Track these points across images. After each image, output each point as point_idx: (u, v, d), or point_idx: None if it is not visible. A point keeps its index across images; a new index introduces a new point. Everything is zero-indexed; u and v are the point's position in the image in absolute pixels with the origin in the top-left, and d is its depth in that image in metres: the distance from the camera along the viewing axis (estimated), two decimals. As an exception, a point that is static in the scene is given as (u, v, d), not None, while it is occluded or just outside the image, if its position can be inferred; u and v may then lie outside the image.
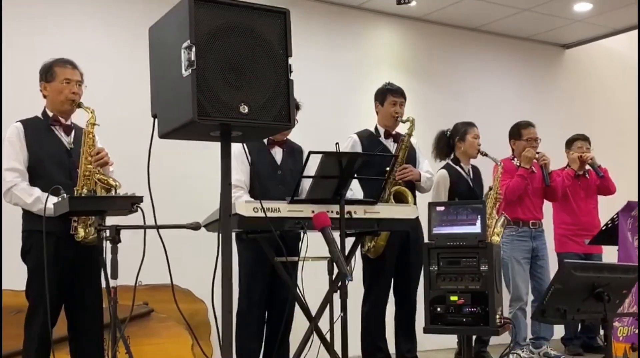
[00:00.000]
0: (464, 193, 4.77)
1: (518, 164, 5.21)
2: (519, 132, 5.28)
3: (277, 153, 4.09)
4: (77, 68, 3.58)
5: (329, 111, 5.89)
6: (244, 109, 2.23)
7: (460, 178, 4.87)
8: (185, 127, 2.23)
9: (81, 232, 3.27)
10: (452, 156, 4.95)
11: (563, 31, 6.87)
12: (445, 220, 2.96)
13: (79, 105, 3.47)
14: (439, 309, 2.89)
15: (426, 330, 3.12)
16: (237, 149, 3.72)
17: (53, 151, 3.43)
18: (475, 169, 5.00)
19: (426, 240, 3.29)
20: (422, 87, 6.41)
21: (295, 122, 4.05)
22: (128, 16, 5.17)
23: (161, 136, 2.37)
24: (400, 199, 4.24)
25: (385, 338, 4.40)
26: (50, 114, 3.51)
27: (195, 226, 2.66)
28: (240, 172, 3.83)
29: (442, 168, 4.91)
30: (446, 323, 2.90)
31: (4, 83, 4.51)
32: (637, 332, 4.30)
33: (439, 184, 4.78)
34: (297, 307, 3.69)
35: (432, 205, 3.06)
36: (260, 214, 3.20)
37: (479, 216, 2.89)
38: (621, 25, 6.79)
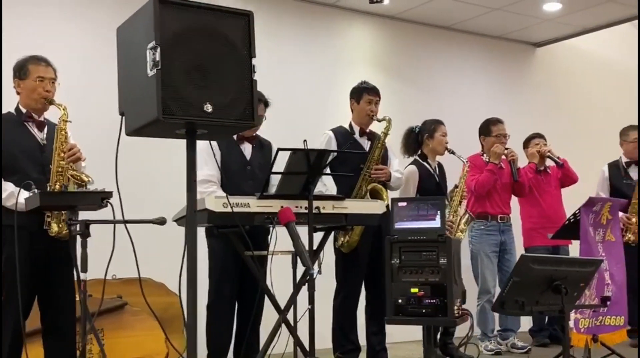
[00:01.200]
0: (431, 189, 4.86)
1: (487, 159, 5.34)
2: (488, 128, 5.40)
3: (247, 149, 4.17)
4: (51, 65, 3.62)
5: (304, 108, 5.97)
6: (209, 108, 2.31)
7: (428, 174, 4.96)
8: (150, 126, 2.31)
9: (55, 227, 3.33)
10: (419, 152, 5.03)
11: (534, 30, 7.00)
12: (406, 215, 3.06)
13: (51, 102, 3.52)
14: (400, 301, 3.00)
15: (388, 321, 3.23)
16: (206, 145, 3.81)
17: (26, 147, 3.47)
18: (441, 166, 5.09)
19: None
20: (396, 85, 6.51)
21: (264, 118, 4.18)
22: (97, 13, 5.22)
23: (128, 134, 2.44)
24: (375, 196, 4.33)
25: (356, 331, 4.50)
26: (24, 110, 3.55)
27: (160, 221, 2.74)
28: (212, 167, 3.90)
29: (411, 163, 4.99)
30: (407, 314, 3.00)
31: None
32: (598, 323, 4.43)
33: (408, 180, 4.86)
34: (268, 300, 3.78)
35: (394, 201, 3.17)
36: (230, 209, 3.28)
37: (438, 212, 2.99)
38: (591, 25, 6.93)
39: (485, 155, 5.38)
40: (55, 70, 3.64)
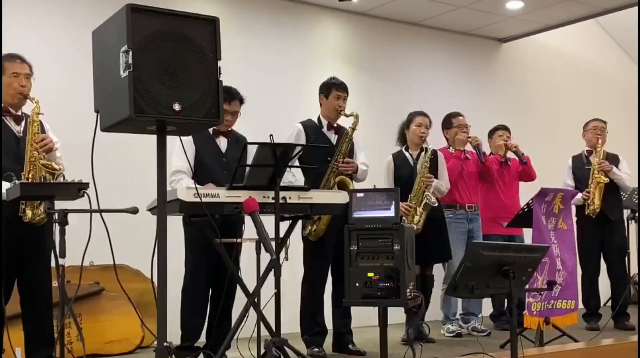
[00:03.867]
0: (405, 177, 5.14)
1: (452, 150, 5.59)
2: (449, 121, 5.67)
3: (222, 142, 4.37)
4: (26, 62, 3.82)
5: (274, 102, 6.15)
6: (177, 106, 2.53)
7: (405, 163, 5.22)
8: (123, 123, 2.53)
9: (29, 213, 3.55)
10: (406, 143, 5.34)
11: (498, 26, 7.25)
12: (364, 205, 3.29)
13: (26, 96, 3.72)
14: (357, 284, 3.22)
15: (346, 303, 3.47)
16: (184, 138, 4.03)
17: (3, 140, 3.63)
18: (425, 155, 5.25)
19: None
20: (366, 80, 6.73)
21: (239, 114, 4.38)
22: (75, 10, 5.37)
23: (103, 130, 2.65)
24: (342, 188, 4.53)
25: (323, 314, 4.72)
26: (3, 105, 3.72)
27: (133, 211, 2.94)
28: (183, 159, 4.09)
29: (392, 154, 5.31)
30: (363, 297, 3.23)
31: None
32: (550, 307, 4.71)
33: (385, 169, 5.24)
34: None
35: (352, 192, 3.40)
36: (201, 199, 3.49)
37: (393, 202, 3.23)
38: (552, 22, 7.19)
39: (450, 147, 5.63)
40: (31, 66, 3.83)
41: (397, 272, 3.18)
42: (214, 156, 4.30)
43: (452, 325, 5.52)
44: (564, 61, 8.21)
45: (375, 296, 3.20)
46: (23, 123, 3.78)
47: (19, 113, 3.79)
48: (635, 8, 6.90)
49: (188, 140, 4.16)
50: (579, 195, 5.74)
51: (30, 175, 3.57)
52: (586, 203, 5.72)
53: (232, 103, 4.31)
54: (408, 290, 3.18)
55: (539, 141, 7.30)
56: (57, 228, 3.07)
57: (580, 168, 5.95)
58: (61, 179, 3.46)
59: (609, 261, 5.92)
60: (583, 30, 8.02)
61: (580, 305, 5.90)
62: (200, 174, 4.16)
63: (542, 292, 4.52)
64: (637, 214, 5.77)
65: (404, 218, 5.02)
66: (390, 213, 3.22)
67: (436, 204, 5.18)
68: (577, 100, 8.12)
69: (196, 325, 4.24)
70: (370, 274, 3.20)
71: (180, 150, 4.07)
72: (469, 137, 5.57)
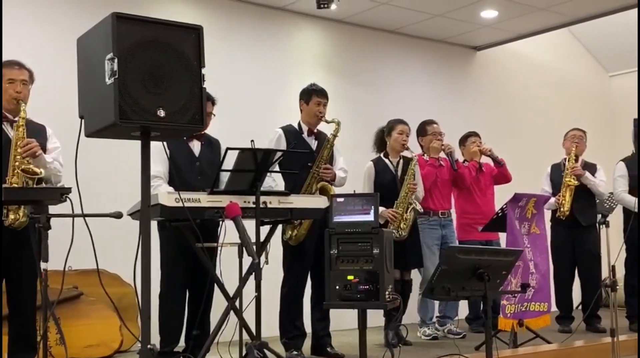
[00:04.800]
0: (386, 184, 5.24)
1: (427, 157, 5.69)
2: (424, 129, 5.77)
3: (195, 146, 4.39)
4: (25, 68, 3.88)
5: (255, 107, 6.22)
6: (161, 113, 2.58)
7: (385, 170, 5.31)
8: (108, 129, 2.57)
9: (11, 216, 3.58)
10: (385, 150, 5.42)
11: (473, 35, 7.39)
12: (344, 210, 3.36)
13: (18, 102, 3.76)
14: (337, 287, 3.29)
15: (327, 306, 3.54)
16: (157, 143, 4.06)
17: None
18: (407, 162, 5.36)
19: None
20: (344, 86, 6.81)
21: (213, 116, 4.42)
22: (59, 16, 5.40)
23: (87, 135, 2.70)
24: (324, 194, 4.57)
25: (302, 318, 4.76)
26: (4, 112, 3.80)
27: (117, 215, 2.98)
28: (159, 164, 4.12)
29: (371, 160, 5.38)
30: (343, 299, 3.31)
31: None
32: (524, 309, 4.83)
33: (365, 176, 5.31)
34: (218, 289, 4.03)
35: (333, 197, 3.47)
36: (182, 204, 3.54)
37: (372, 207, 3.31)
38: (526, 31, 7.35)
39: (425, 154, 5.73)
40: (31, 73, 3.90)
41: (376, 275, 3.26)
42: (187, 160, 4.33)
43: (429, 329, 5.61)
44: (537, 68, 8.38)
45: (354, 298, 3.28)
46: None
47: (16, 119, 3.82)
48: (604, 18, 7.10)
49: (161, 144, 4.18)
50: (553, 199, 5.88)
51: (13, 180, 3.60)
52: (558, 206, 5.86)
53: (207, 105, 4.33)
54: (387, 292, 3.26)
55: (513, 147, 7.44)
56: (39, 233, 3.09)
57: (558, 175, 6.08)
58: (43, 184, 3.48)
59: (580, 265, 6.05)
60: (556, 39, 8.19)
61: (555, 308, 6.05)
62: (174, 178, 4.19)
63: (515, 295, 4.62)
64: (607, 219, 5.89)
65: (390, 224, 5.10)
66: (370, 217, 3.30)
67: (422, 211, 5.28)
68: (550, 107, 8.29)
69: (175, 329, 4.27)
70: (350, 277, 3.28)
71: (156, 155, 4.11)
72: (443, 145, 5.68)
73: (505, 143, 7.30)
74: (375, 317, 5.23)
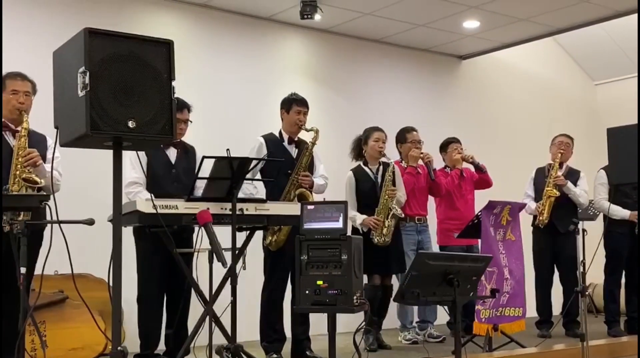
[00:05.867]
0: (367, 191, 5.37)
1: (405, 165, 5.80)
2: (404, 136, 5.87)
3: (172, 153, 4.50)
4: (28, 79, 4.04)
5: (239, 115, 6.34)
6: (132, 124, 2.68)
7: (366, 178, 5.43)
8: (81, 139, 2.68)
9: (7, 226, 3.62)
10: (363, 158, 5.53)
11: (457, 44, 7.50)
12: (314, 217, 3.47)
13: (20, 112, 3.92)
14: (307, 292, 3.40)
15: (297, 310, 3.65)
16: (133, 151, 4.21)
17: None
18: (386, 169, 5.44)
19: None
20: (328, 94, 6.94)
21: (189, 122, 4.51)
22: (40, 28, 5.51)
23: (62, 145, 2.80)
24: (302, 200, 4.70)
25: (282, 322, 4.86)
26: (3, 120, 3.95)
27: (89, 222, 3.08)
28: (138, 170, 4.25)
29: (351, 170, 5.49)
30: (313, 304, 3.41)
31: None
32: (499, 314, 4.93)
33: (346, 185, 5.44)
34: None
35: (303, 204, 3.57)
36: (160, 211, 3.64)
37: (341, 214, 3.42)
38: (509, 40, 7.47)
39: (403, 161, 5.84)
40: (34, 84, 4.05)
41: (345, 280, 3.36)
42: (163, 167, 4.44)
43: (409, 333, 5.72)
44: (523, 77, 8.50)
45: (324, 303, 3.38)
46: None
47: (19, 128, 3.96)
48: (589, 28, 7.22)
49: (139, 153, 4.31)
50: (534, 205, 5.98)
51: (13, 188, 3.74)
52: (537, 210, 5.97)
53: (183, 112, 4.44)
54: (355, 297, 3.36)
55: (497, 155, 7.56)
56: (17, 240, 3.19)
57: (541, 181, 6.18)
58: (43, 192, 3.61)
59: (561, 271, 6.15)
60: (541, 48, 8.31)
61: (534, 313, 6.15)
62: (151, 184, 4.28)
63: (490, 300, 4.73)
64: (581, 228, 5.97)
65: (373, 231, 5.21)
66: (339, 224, 3.41)
67: (402, 215, 5.39)
68: (535, 116, 8.41)
69: (153, 333, 4.36)
70: (320, 282, 3.38)
71: (135, 161, 4.23)
72: (422, 153, 5.78)
73: (490, 150, 7.42)
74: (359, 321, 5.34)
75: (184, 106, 4.46)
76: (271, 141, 4.92)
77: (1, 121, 3.92)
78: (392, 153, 5.77)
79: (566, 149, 6.15)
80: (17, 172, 3.80)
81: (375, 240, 5.19)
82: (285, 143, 4.96)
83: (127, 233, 4.06)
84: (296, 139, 5.01)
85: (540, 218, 5.93)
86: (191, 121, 4.53)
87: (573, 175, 6.13)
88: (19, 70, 4.15)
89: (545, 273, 6.13)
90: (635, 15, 6.40)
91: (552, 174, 6.01)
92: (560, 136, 6.26)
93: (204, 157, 3.83)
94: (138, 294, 4.36)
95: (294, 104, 4.94)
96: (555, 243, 6.04)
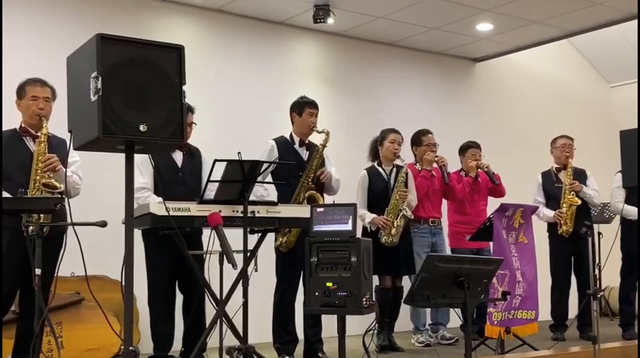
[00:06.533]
0: (379, 191, 5.41)
1: (419, 168, 5.82)
2: (419, 139, 5.89)
3: (178, 157, 4.55)
4: (48, 85, 4.13)
5: (252, 119, 6.38)
6: (144, 128, 2.73)
7: (379, 178, 5.47)
8: (93, 143, 2.73)
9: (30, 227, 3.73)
10: (378, 159, 5.57)
11: (471, 47, 7.50)
12: (323, 219, 3.51)
13: (40, 118, 4.00)
14: (317, 293, 3.44)
15: (306, 311, 3.68)
16: (142, 155, 4.26)
17: (18, 158, 3.96)
18: (399, 171, 5.50)
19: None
20: (341, 98, 6.97)
21: (194, 124, 4.56)
22: (54, 32, 5.60)
23: (75, 149, 2.86)
24: (312, 202, 4.75)
25: (294, 323, 4.90)
26: (23, 126, 4.09)
27: (101, 224, 3.13)
28: (146, 175, 4.33)
29: (365, 169, 5.54)
30: (323, 305, 3.45)
31: None
32: (511, 317, 4.93)
33: (359, 183, 5.48)
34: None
35: (312, 207, 3.61)
36: (172, 213, 3.70)
37: (350, 216, 3.45)
38: (522, 43, 7.46)
39: (418, 164, 5.86)
40: (53, 90, 4.13)
41: (354, 282, 3.39)
42: (170, 170, 4.49)
43: (422, 335, 5.73)
44: (537, 79, 8.47)
45: (333, 305, 3.42)
46: None
47: (39, 134, 4.04)
48: (604, 30, 7.19)
49: (145, 156, 4.35)
50: (551, 213, 5.95)
51: (33, 193, 3.82)
52: (559, 223, 5.91)
53: (187, 115, 4.48)
54: (364, 299, 3.39)
55: (512, 158, 7.54)
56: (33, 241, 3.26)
57: (550, 185, 6.15)
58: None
59: (579, 275, 6.06)
60: (556, 50, 8.28)
61: (547, 317, 6.13)
62: (158, 188, 4.34)
63: (502, 303, 4.73)
64: (597, 230, 5.96)
65: (381, 230, 5.24)
66: (348, 226, 3.44)
67: (412, 217, 5.42)
68: (550, 118, 8.37)
69: (166, 334, 4.42)
70: (329, 284, 3.42)
71: (143, 166, 4.30)
72: (436, 157, 5.80)
73: (503, 153, 7.41)
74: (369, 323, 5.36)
75: (187, 110, 4.50)
76: (282, 143, 4.97)
77: None
78: (407, 156, 5.78)
79: (570, 151, 6.12)
80: (37, 177, 3.88)
81: (383, 239, 5.22)
82: (297, 146, 5.00)
83: (137, 234, 4.11)
84: (307, 141, 5.05)
85: (564, 227, 5.89)
86: (195, 124, 4.58)
87: (580, 176, 6.10)
88: (35, 75, 4.23)
89: (563, 277, 6.07)
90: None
91: (565, 181, 5.97)
92: (561, 138, 6.22)
93: (215, 160, 3.87)
94: (148, 296, 4.42)
95: (306, 107, 4.99)
96: (574, 247, 5.98)
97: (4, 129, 4.07)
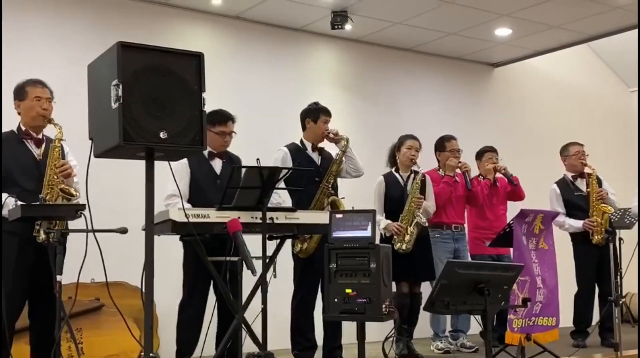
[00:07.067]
0: (396, 197, 5.40)
1: (442, 173, 5.79)
2: (443, 144, 5.87)
3: (217, 164, 4.58)
4: (47, 86, 4.09)
5: (272, 126, 6.39)
6: (163, 135, 2.75)
7: (395, 184, 5.46)
8: (114, 150, 2.75)
9: (42, 234, 3.70)
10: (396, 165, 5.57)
11: (489, 52, 7.48)
12: (342, 225, 3.50)
13: (50, 121, 3.97)
14: (336, 300, 3.43)
15: (325, 318, 3.67)
16: (180, 162, 4.28)
17: (23, 162, 3.92)
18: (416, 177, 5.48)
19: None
20: (360, 104, 6.97)
21: (234, 133, 4.59)
22: (76, 41, 5.66)
23: (96, 156, 2.88)
24: (334, 208, 4.73)
25: (313, 329, 4.89)
26: (24, 128, 4.00)
27: (122, 230, 3.15)
28: (179, 182, 4.32)
29: (382, 175, 5.55)
30: (342, 312, 3.44)
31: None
32: (531, 324, 4.88)
33: (375, 189, 5.49)
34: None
35: (332, 213, 3.60)
36: (192, 219, 3.71)
37: (369, 223, 3.44)
38: (541, 48, 7.43)
39: (440, 170, 5.84)
40: (52, 91, 4.11)
41: (374, 289, 3.37)
42: (208, 178, 4.51)
43: (441, 342, 5.70)
44: (556, 84, 8.41)
45: (352, 311, 3.40)
46: (43, 146, 4.02)
47: (40, 136, 4.04)
48: (624, 34, 7.12)
49: (184, 163, 4.43)
50: (578, 223, 5.88)
51: (47, 197, 3.80)
52: (592, 233, 5.84)
53: (229, 124, 4.56)
54: (384, 305, 3.37)
55: (530, 163, 7.48)
56: (54, 248, 3.28)
57: (570, 194, 6.08)
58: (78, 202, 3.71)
59: (601, 281, 5.92)
60: (575, 54, 8.23)
61: (568, 323, 6.06)
62: (196, 196, 4.39)
63: (523, 309, 4.69)
64: (618, 236, 5.86)
65: (395, 237, 5.23)
66: (367, 232, 3.43)
67: (426, 224, 5.39)
68: (569, 124, 8.30)
69: (190, 339, 4.41)
70: (348, 290, 3.40)
71: (179, 173, 4.30)
72: (460, 163, 5.77)
73: (522, 158, 7.36)
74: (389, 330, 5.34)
75: (228, 118, 4.54)
76: (294, 150, 4.98)
77: None
78: (428, 161, 5.76)
79: (584, 158, 6.07)
80: (52, 183, 3.85)
81: (397, 246, 5.20)
82: (309, 151, 5.01)
83: (170, 240, 4.12)
84: (319, 146, 5.06)
85: (597, 236, 5.82)
86: (235, 133, 4.60)
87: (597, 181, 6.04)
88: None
89: (589, 285, 5.99)
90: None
91: (593, 189, 5.89)
92: (573, 146, 6.16)
93: (234, 167, 3.89)
94: (182, 299, 4.45)
95: (321, 114, 5.02)
96: (601, 253, 5.88)
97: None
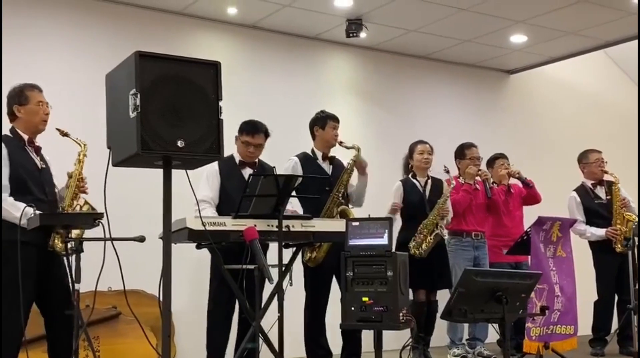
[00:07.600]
0: (415, 202, 5.41)
1: (463, 181, 5.77)
2: (463, 152, 5.85)
3: (247, 173, 4.54)
4: (42, 91, 4.04)
5: (288, 134, 6.38)
6: (181, 143, 2.76)
7: (413, 189, 5.47)
8: (132, 158, 2.77)
9: (59, 243, 3.74)
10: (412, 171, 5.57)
11: (505, 59, 7.45)
12: (359, 233, 3.49)
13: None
14: (353, 308, 3.42)
15: (342, 326, 3.66)
16: (211, 169, 4.39)
17: (31, 170, 3.89)
18: (436, 182, 5.53)
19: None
20: (375, 111, 6.96)
21: (261, 146, 4.58)
22: (93, 50, 5.70)
23: (114, 165, 2.89)
24: (344, 217, 4.71)
25: (326, 336, 4.87)
26: (25, 136, 3.92)
27: (140, 239, 3.17)
28: (209, 189, 4.38)
29: (400, 180, 5.56)
30: (359, 320, 3.43)
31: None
32: (549, 332, 4.84)
33: (393, 195, 5.47)
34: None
35: (348, 221, 3.60)
36: (209, 228, 3.72)
37: (386, 231, 3.43)
38: (557, 54, 7.38)
39: (461, 177, 5.82)
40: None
41: (391, 297, 3.36)
42: (238, 186, 4.46)
43: (458, 350, 5.66)
44: (573, 91, 8.36)
45: (369, 320, 3.39)
46: (39, 154, 4.02)
47: (37, 143, 4.01)
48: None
49: (214, 170, 4.51)
50: (600, 231, 5.83)
51: (70, 210, 3.83)
52: (615, 241, 5.79)
53: (256, 136, 4.59)
54: (401, 314, 3.36)
55: (546, 171, 7.42)
56: (75, 255, 3.29)
57: (590, 202, 6.03)
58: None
59: (620, 289, 5.85)
60: (591, 61, 8.17)
61: (587, 331, 6.00)
62: (225, 203, 4.42)
63: (541, 318, 4.65)
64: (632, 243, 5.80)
65: (412, 240, 5.21)
66: (384, 241, 3.42)
67: (446, 237, 5.38)
68: (585, 131, 8.23)
69: (219, 345, 4.47)
70: (365, 299, 3.39)
71: (209, 180, 4.35)
72: (479, 170, 5.75)
73: (539, 166, 7.31)
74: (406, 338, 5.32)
75: (255, 130, 4.59)
76: (305, 159, 4.99)
77: None
78: (441, 167, 5.74)
79: (604, 165, 6.02)
80: (75, 195, 3.86)
81: (412, 251, 5.18)
82: (320, 161, 5.02)
83: (186, 248, 4.13)
84: (330, 155, 5.06)
85: (621, 245, 5.75)
86: (263, 146, 4.64)
87: (609, 187, 5.99)
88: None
89: (609, 292, 5.92)
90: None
91: (617, 197, 5.84)
92: (593, 153, 6.11)
93: (250, 175, 3.90)
94: (208, 307, 4.51)
95: (329, 120, 5.03)
96: (623, 260, 5.82)
97: None
